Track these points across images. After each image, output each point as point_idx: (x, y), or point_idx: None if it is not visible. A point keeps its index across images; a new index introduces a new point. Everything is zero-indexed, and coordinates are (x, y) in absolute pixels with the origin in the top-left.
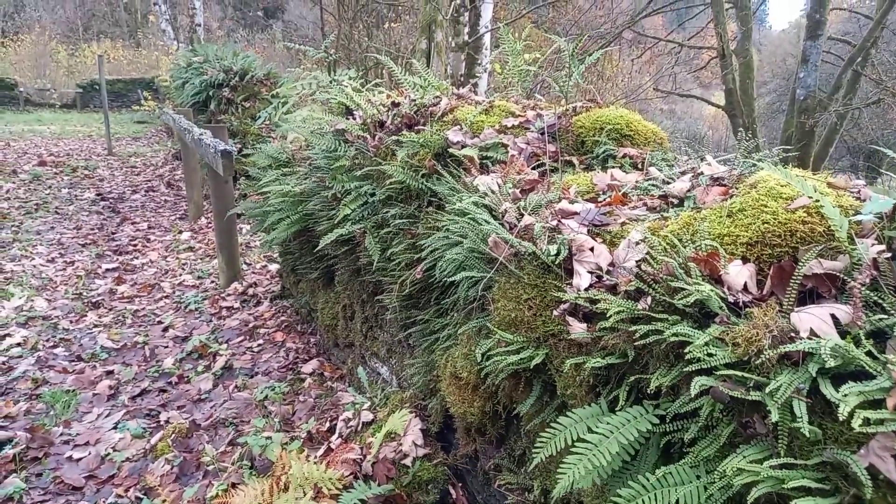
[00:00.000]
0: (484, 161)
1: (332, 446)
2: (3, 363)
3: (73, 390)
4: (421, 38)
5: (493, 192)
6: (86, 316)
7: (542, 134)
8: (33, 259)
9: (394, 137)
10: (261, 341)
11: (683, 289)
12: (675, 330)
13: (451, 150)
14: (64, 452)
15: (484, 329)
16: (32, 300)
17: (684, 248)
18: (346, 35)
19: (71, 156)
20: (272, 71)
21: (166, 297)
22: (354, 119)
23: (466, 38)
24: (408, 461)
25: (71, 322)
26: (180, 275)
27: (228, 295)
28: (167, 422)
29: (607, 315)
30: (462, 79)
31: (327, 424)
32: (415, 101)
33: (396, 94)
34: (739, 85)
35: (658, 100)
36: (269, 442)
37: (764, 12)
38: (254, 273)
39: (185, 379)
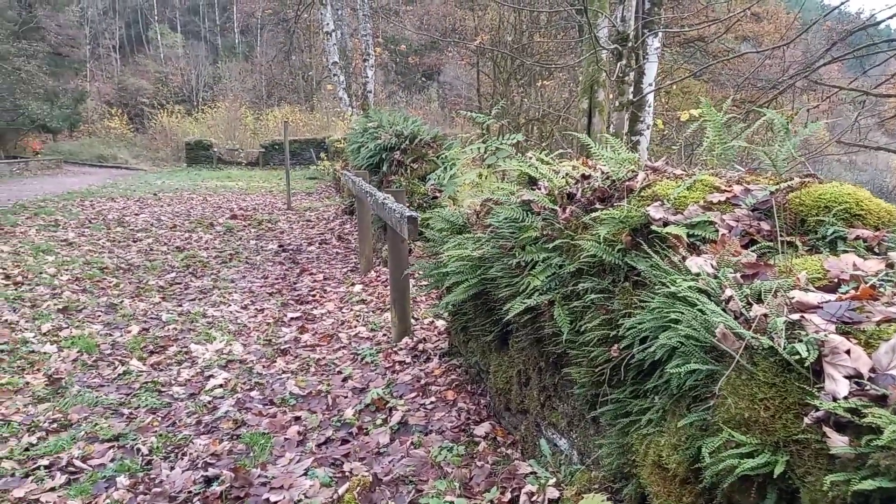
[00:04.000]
0: (691, 240)
1: None
2: (209, 402)
3: (268, 433)
4: (582, 98)
5: (708, 274)
6: (275, 362)
7: (754, 211)
8: (230, 305)
9: (593, 214)
10: (433, 399)
11: None
12: None
13: (653, 226)
14: (262, 494)
15: (698, 422)
16: (230, 344)
17: None
18: (500, 94)
19: (256, 210)
20: (438, 134)
21: (343, 347)
22: (539, 189)
23: (631, 96)
24: None
25: (263, 367)
26: (355, 326)
27: (400, 349)
28: (351, 472)
29: (879, 431)
30: (625, 137)
31: (509, 495)
32: (607, 174)
33: (581, 164)
34: None
35: (835, 150)
36: None
37: None
38: (422, 328)
39: (364, 431)
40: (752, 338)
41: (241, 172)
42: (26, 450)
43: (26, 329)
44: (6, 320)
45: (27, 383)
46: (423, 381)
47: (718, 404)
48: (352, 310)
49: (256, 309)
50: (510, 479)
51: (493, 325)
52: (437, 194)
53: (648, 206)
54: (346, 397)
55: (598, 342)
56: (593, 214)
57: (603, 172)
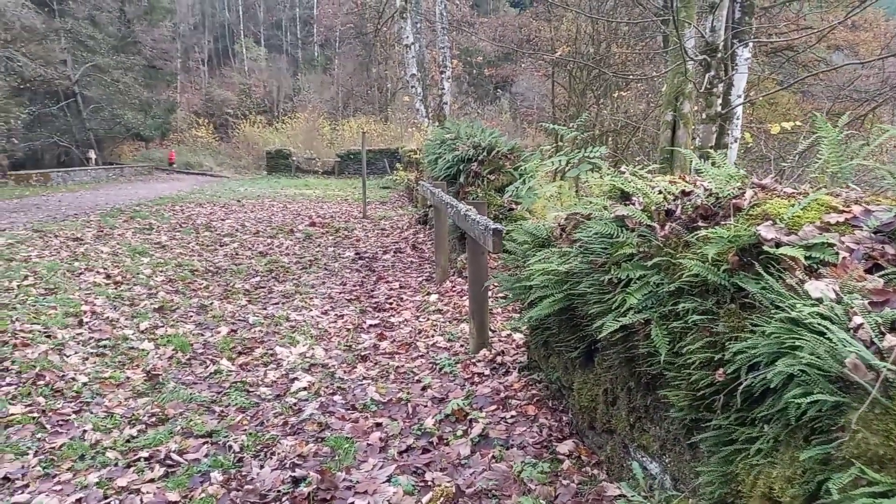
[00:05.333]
0: (808, 262)
1: None
2: (294, 404)
3: (351, 438)
4: (666, 110)
5: (830, 300)
6: (356, 368)
7: (876, 233)
8: (311, 310)
9: (698, 233)
10: (513, 413)
11: None
12: None
13: (764, 246)
14: (347, 498)
15: (819, 455)
16: (313, 348)
17: None
18: (576, 105)
19: (333, 218)
20: (516, 145)
21: (421, 356)
22: (633, 204)
23: (719, 108)
24: None
25: (344, 372)
26: (432, 336)
27: (478, 361)
28: (433, 482)
29: None
30: (712, 150)
31: None
32: (710, 190)
33: (679, 179)
34: None
35: None
36: None
37: None
38: (500, 340)
39: (445, 441)
40: (889, 369)
41: (318, 181)
42: (127, 441)
43: (126, 326)
44: (108, 317)
45: (128, 378)
46: (502, 395)
47: (848, 438)
48: (428, 319)
49: (336, 315)
50: (598, 501)
51: (578, 342)
52: (514, 206)
53: (758, 225)
54: (425, 406)
55: (699, 365)
56: (698, 233)
57: (705, 189)
